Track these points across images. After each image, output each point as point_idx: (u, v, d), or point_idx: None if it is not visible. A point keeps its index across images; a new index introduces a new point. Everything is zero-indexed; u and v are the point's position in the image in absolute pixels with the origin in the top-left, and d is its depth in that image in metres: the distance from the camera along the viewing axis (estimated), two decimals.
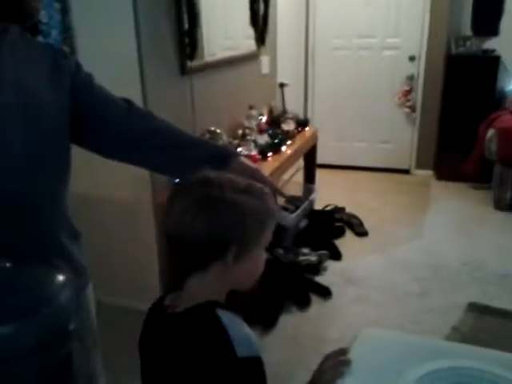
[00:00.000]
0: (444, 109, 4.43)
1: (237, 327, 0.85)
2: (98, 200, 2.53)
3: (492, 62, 4.16)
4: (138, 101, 2.21)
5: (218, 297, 0.91)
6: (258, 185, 0.94)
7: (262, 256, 0.94)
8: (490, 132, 3.87)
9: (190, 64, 2.55)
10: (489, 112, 4.09)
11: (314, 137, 3.62)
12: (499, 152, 3.68)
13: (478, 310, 2.56)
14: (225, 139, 2.64)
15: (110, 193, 2.50)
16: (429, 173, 4.66)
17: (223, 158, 1.17)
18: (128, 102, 1.18)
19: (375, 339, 0.97)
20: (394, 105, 4.66)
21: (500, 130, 3.73)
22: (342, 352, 0.99)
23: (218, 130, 2.62)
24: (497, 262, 3.07)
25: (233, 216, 0.86)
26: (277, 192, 1.18)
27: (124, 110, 1.16)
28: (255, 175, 1.12)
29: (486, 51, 4.26)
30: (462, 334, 2.37)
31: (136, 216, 2.50)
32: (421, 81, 4.51)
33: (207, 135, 2.56)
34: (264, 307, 2.59)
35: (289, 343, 2.40)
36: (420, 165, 4.71)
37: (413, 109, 4.61)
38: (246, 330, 0.87)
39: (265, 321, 2.53)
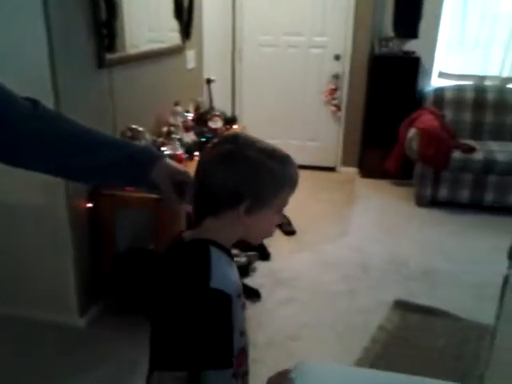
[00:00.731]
0: (368, 108, 4.53)
1: (220, 264, 0.94)
2: (8, 206, 2.30)
3: (412, 63, 4.31)
4: (48, 97, 2.06)
5: (223, 241, 0.99)
6: (283, 152, 1.01)
7: (273, 219, 1.02)
8: (412, 131, 4.00)
9: (109, 56, 2.37)
10: (410, 111, 4.24)
11: None
12: (420, 151, 3.82)
13: (402, 307, 2.61)
14: (148, 138, 2.49)
15: (21, 198, 2.28)
16: (354, 170, 4.76)
17: (145, 160, 1.06)
18: (33, 102, 1.02)
19: (314, 374, 0.89)
20: (320, 103, 4.71)
21: (421, 131, 3.87)
22: (284, 375, 0.94)
23: (141, 128, 2.46)
24: (419, 258, 3.17)
25: (250, 172, 0.93)
26: None
27: (28, 111, 1.00)
28: (183, 178, 1.06)
29: (406, 52, 4.41)
30: (388, 333, 2.41)
31: (50, 222, 2.30)
32: (346, 80, 4.58)
33: (128, 133, 2.40)
34: None
35: None
36: (345, 162, 4.80)
37: (338, 107, 4.68)
38: (228, 270, 0.96)
39: None
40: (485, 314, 2.55)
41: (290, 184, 1.00)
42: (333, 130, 4.77)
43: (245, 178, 0.93)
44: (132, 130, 2.45)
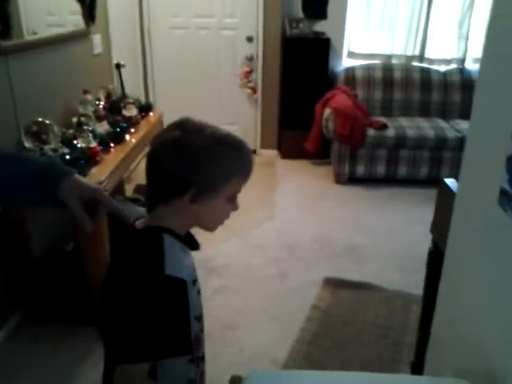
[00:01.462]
0: (284, 89, 4.55)
1: (174, 250, 0.94)
2: None
3: (323, 43, 4.37)
4: None
5: (176, 228, 0.98)
6: (236, 138, 1.01)
7: (225, 207, 1.03)
8: (327, 111, 4.09)
9: (3, 44, 2.13)
10: (324, 91, 4.32)
11: (160, 122, 3.40)
12: (336, 130, 3.91)
13: (332, 284, 2.68)
14: (56, 131, 2.29)
15: None
16: (274, 152, 4.79)
17: (51, 177, 0.95)
18: None
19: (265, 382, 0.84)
20: (236, 86, 4.65)
21: (335, 110, 3.95)
22: None
23: (47, 121, 2.25)
24: (343, 235, 3.27)
25: (196, 159, 0.91)
26: (119, 216, 1.03)
27: None
28: (94, 196, 0.97)
29: (317, 33, 4.46)
30: (321, 311, 2.45)
31: None
32: (260, 62, 4.56)
33: (34, 128, 2.18)
34: None
35: None
36: (265, 145, 4.81)
37: (254, 90, 4.65)
38: (182, 256, 0.98)
39: None
40: (407, 283, 2.69)
41: (242, 172, 1.00)
42: (250, 113, 4.74)
43: (191, 165, 0.91)
44: (37, 123, 2.23)
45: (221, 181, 0.96)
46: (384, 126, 3.94)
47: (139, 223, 1.00)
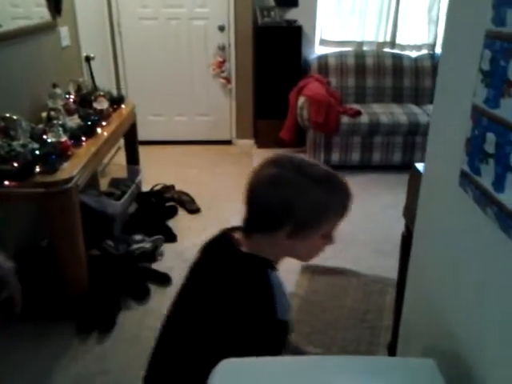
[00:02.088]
0: (257, 78, 4.54)
1: (280, 291, 1.01)
2: None
3: (295, 31, 4.36)
4: None
5: (273, 257, 1.05)
6: (338, 178, 1.04)
7: (319, 243, 1.07)
8: (301, 100, 4.09)
9: None
10: (297, 80, 4.32)
11: (133, 114, 3.36)
12: (311, 119, 3.92)
13: (310, 271, 2.70)
14: (25, 126, 2.24)
15: None
16: (250, 142, 4.78)
17: None
18: None
19: (235, 370, 0.84)
20: (210, 76, 4.62)
21: (309, 98, 3.96)
22: None
23: (15, 116, 2.20)
24: None
25: (295, 199, 0.94)
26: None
27: None
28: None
29: (289, 21, 4.45)
30: (300, 298, 2.47)
31: None
32: (232, 51, 4.53)
33: (1, 123, 2.13)
34: (98, 308, 2.34)
35: (132, 343, 2.22)
36: (241, 135, 4.80)
37: (228, 80, 4.63)
38: (285, 293, 1.03)
39: (101, 324, 2.29)
40: (384, 267, 2.74)
41: (339, 211, 1.03)
42: (225, 103, 4.72)
43: (287, 204, 0.94)
44: (5, 119, 2.18)
45: (317, 220, 0.99)
46: (358, 113, 3.97)
47: (243, 247, 1.06)
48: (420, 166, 1.72)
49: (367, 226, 3.24)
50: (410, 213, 1.84)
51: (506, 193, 0.60)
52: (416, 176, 1.75)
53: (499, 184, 0.61)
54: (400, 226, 3.22)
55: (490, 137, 0.62)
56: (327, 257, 2.88)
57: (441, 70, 0.84)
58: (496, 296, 0.68)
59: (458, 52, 0.76)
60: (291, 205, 0.94)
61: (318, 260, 2.90)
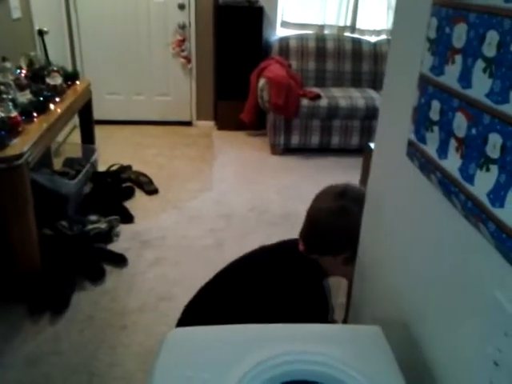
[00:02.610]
0: (218, 59, 4.48)
1: (330, 296, 1.18)
2: None
3: (256, 12, 4.33)
4: None
5: (328, 273, 1.20)
6: None
7: None
8: (261, 81, 4.08)
9: None
10: (258, 61, 4.30)
11: (88, 91, 3.25)
12: (271, 101, 3.91)
13: None
14: None
15: None
16: (210, 123, 4.74)
17: None
18: None
19: (186, 339, 0.83)
20: (169, 55, 4.53)
21: (270, 80, 3.95)
22: None
23: None
24: (279, 204, 3.32)
25: (355, 229, 0.99)
26: None
27: None
28: None
29: (250, 2, 4.40)
30: None
31: None
32: (193, 30, 4.45)
33: None
34: (51, 289, 2.28)
35: (87, 324, 2.18)
36: (201, 116, 4.74)
37: (188, 59, 4.55)
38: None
39: (54, 304, 2.23)
40: None
41: None
42: (185, 84, 4.64)
43: (350, 234, 1.01)
44: None
45: None
46: (317, 97, 4.00)
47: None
48: (373, 145, 1.75)
49: None
50: None
51: (448, 159, 0.62)
52: (369, 155, 1.78)
53: (442, 150, 0.63)
54: None
55: (435, 104, 0.64)
56: (280, 236, 2.88)
57: (392, 42, 0.85)
58: (440, 263, 0.70)
59: (407, 22, 0.77)
60: (352, 234, 1.02)
61: (272, 240, 2.92)
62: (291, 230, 2.98)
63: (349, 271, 1.15)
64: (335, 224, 1.12)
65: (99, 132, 3.59)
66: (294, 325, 0.80)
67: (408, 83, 0.73)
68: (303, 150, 4.14)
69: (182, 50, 4.50)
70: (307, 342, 0.77)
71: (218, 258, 2.68)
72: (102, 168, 3.47)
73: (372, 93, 4.22)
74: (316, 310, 1.17)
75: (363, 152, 4.44)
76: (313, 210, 1.22)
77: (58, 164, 3.39)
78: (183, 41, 4.48)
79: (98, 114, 3.54)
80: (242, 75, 4.37)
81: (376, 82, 4.46)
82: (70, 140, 4.00)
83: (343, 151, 4.13)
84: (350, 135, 4.06)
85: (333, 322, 1.22)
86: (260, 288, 1.19)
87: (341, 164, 3.98)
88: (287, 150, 4.12)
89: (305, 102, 3.96)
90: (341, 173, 3.83)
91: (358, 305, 1.03)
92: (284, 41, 4.45)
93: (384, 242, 0.90)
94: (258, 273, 1.23)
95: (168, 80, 4.61)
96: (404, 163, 0.74)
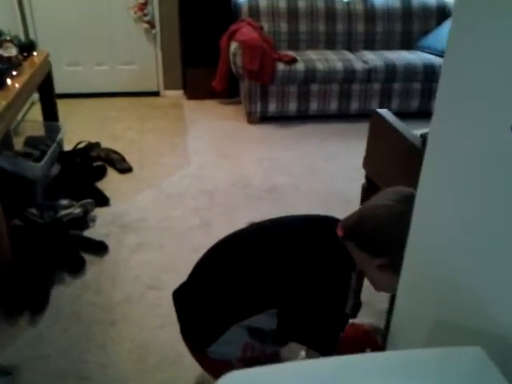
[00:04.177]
0: (184, 22, 4.18)
1: (352, 290, 1.13)
2: None
3: None
4: None
5: (358, 269, 1.14)
6: None
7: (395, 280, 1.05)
8: (233, 45, 3.83)
9: None
10: (228, 24, 4.04)
11: (47, 63, 2.94)
12: (245, 66, 3.69)
13: None
14: None
15: None
16: (179, 93, 4.47)
17: None
18: None
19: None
20: (131, 20, 4.19)
21: (242, 43, 3.72)
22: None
23: None
24: (260, 176, 3.16)
25: (402, 238, 0.89)
26: None
27: None
28: None
29: None
30: None
31: None
32: None
33: None
34: (26, 285, 2.07)
35: (71, 321, 1.99)
36: (169, 85, 4.46)
37: (152, 24, 4.23)
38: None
39: (32, 302, 2.03)
40: None
41: None
42: (149, 51, 4.33)
43: (395, 240, 0.93)
44: None
45: None
46: (293, 60, 3.80)
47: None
48: (383, 112, 1.60)
49: (309, 178, 3.15)
50: (371, 163, 1.74)
51: None
52: (378, 123, 1.63)
53: None
54: (341, 176, 3.19)
55: None
56: (267, 211, 2.78)
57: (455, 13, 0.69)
58: None
59: None
60: (399, 243, 0.93)
61: (264, 216, 2.77)
62: (278, 204, 2.87)
63: (379, 277, 1.12)
64: (391, 226, 1.02)
65: (60, 107, 3.29)
66: (372, 354, 0.66)
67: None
68: (281, 118, 3.96)
69: (145, 15, 4.17)
70: (396, 374, 0.63)
71: (206, 239, 2.49)
72: (67, 147, 3.20)
73: (348, 54, 4.05)
74: (337, 296, 1.12)
75: (343, 119, 4.30)
76: (372, 204, 1.13)
77: (18, 144, 3.09)
78: (145, 4, 4.15)
79: (57, 87, 3.22)
80: (210, 39, 4.10)
81: (351, 43, 4.29)
82: (30, 117, 3.67)
83: (322, 117, 3.98)
84: (328, 100, 3.90)
85: (347, 315, 1.16)
86: (290, 256, 1.16)
87: (320, 131, 3.84)
88: (264, 119, 3.94)
89: (280, 66, 3.75)
90: (321, 140, 3.69)
91: (404, 319, 0.90)
92: (253, 1, 4.18)
93: (449, 232, 0.77)
94: (292, 240, 1.19)
95: (131, 47, 4.28)
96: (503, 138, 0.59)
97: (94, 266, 2.30)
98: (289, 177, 3.17)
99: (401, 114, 1.71)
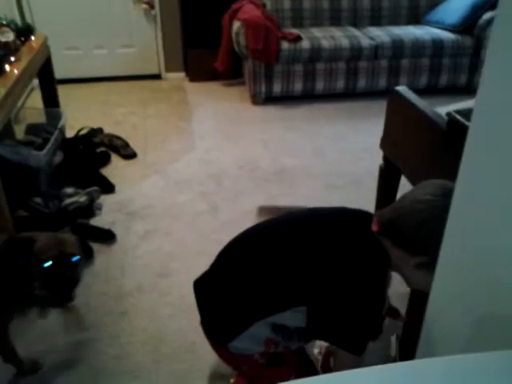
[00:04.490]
0: (184, 3, 4.06)
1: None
2: None
3: None
4: None
5: (394, 265, 1.08)
6: None
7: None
8: (236, 24, 3.72)
9: None
10: (229, 3, 3.92)
11: (46, 48, 2.86)
12: (249, 45, 3.58)
13: (267, 212, 2.53)
14: None
15: None
16: (181, 75, 4.37)
17: None
18: None
19: None
20: (130, 1, 4.07)
21: (245, 22, 3.61)
22: None
23: None
24: (268, 158, 3.09)
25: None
26: None
27: None
28: None
29: None
30: None
31: None
32: None
33: None
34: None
35: (82, 312, 1.95)
36: (170, 68, 4.36)
37: (151, 4, 4.11)
38: None
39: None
40: (341, 201, 2.61)
41: None
42: (149, 33, 4.22)
43: (437, 238, 0.86)
44: None
45: None
46: (298, 38, 3.69)
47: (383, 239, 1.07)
48: (402, 89, 1.52)
49: (317, 159, 3.08)
50: (389, 143, 1.67)
51: None
52: (397, 102, 1.55)
53: None
54: (350, 157, 3.12)
55: None
56: (276, 194, 2.73)
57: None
58: None
59: None
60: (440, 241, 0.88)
61: (273, 199, 2.73)
62: (288, 187, 2.81)
63: (416, 275, 1.04)
64: (433, 223, 0.93)
65: (60, 92, 3.21)
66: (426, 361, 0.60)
67: None
68: (286, 99, 3.87)
69: None
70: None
71: (214, 224, 2.47)
72: (69, 133, 3.13)
73: (354, 31, 3.94)
74: (373, 295, 1.05)
75: (352, 98, 4.17)
76: (411, 199, 1.03)
77: (19, 133, 3.02)
78: None
79: (56, 73, 3.13)
80: (212, 19, 4.00)
81: (356, 19, 4.17)
82: (31, 103, 3.59)
83: (328, 97, 3.89)
84: (334, 79, 3.80)
85: (381, 316, 1.15)
86: (322, 253, 1.10)
87: (327, 111, 3.76)
88: (269, 99, 3.85)
89: (285, 45, 3.65)
90: (328, 120, 3.61)
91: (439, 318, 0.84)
92: None
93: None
94: (325, 236, 1.12)
95: (131, 29, 4.17)
96: None
97: (101, 255, 2.26)
98: (296, 159, 3.10)
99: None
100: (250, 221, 2.46)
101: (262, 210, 2.55)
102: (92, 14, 4.04)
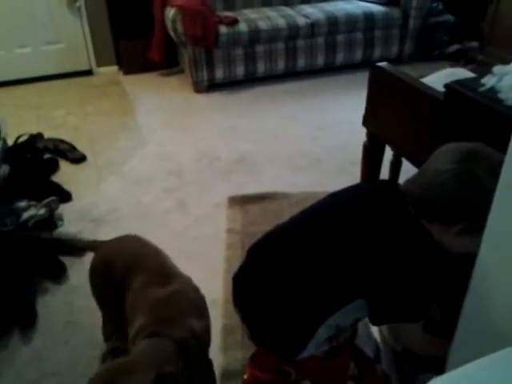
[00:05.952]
0: None
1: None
2: None
3: None
4: None
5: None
6: None
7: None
8: (171, 12, 3.60)
9: None
10: None
11: None
12: (187, 32, 3.48)
13: (238, 202, 2.51)
14: None
15: None
16: (114, 69, 4.18)
17: None
18: None
19: None
20: None
21: (181, 9, 3.50)
22: None
23: None
24: (226, 147, 3.05)
25: (480, 197, 0.86)
26: None
27: None
28: None
29: None
30: (238, 233, 2.29)
31: None
32: None
33: None
34: (7, 301, 1.89)
35: (69, 332, 1.85)
36: (102, 62, 4.15)
37: None
38: None
39: (19, 318, 1.86)
40: (307, 182, 2.66)
41: None
42: (75, 26, 3.97)
43: (468, 203, 0.86)
44: None
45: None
46: (235, 21, 3.64)
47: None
48: (383, 64, 1.54)
49: (274, 142, 3.09)
50: (373, 120, 1.69)
51: None
52: (378, 77, 1.55)
53: None
54: (305, 137, 3.16)
55: None
56: (242, 182, 2.71)
57: None
58: None
59: None
60: (475, 204, 0.89)
61: (240, 188, 2.70)
62: (252, 174, 2.79)
63: (458, 243, 1.01)
64: (461, 190, 0.93)
65: None
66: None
67: None
68: (229, 84, 3.83)
69: None
70: None
71: (186, 221, 2.42)
72: (8, 142, 2.89)
73: (287, 10, 3.95)
74: (427, 269, 1.04)
75: (292, 77, 4.17)
76: (431, 172, 1.00)
77: None
78: None
79: None
80: (142, 7, 3.84)
81: None
82: None
83: (270, 79, 3.89)
84: (275, 60, 3.81)
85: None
86: (376, 239, 1.05)
87: (271, 93, 3.76)
88: (212, 86, 3.79)
89: (223, 29, 3.59)
90: (274, 102, 3.63)
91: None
92: None
93: None
94: (376, 222, 1.07)
95: (54, 24, 3.90)
96: None
97: (74, 269, 2.13)
98: (253, 144, 3.09)
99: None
100: (222, 213, 2.43)
101: (232, 200, 2.52)
102: (10, 9, 3.73)
